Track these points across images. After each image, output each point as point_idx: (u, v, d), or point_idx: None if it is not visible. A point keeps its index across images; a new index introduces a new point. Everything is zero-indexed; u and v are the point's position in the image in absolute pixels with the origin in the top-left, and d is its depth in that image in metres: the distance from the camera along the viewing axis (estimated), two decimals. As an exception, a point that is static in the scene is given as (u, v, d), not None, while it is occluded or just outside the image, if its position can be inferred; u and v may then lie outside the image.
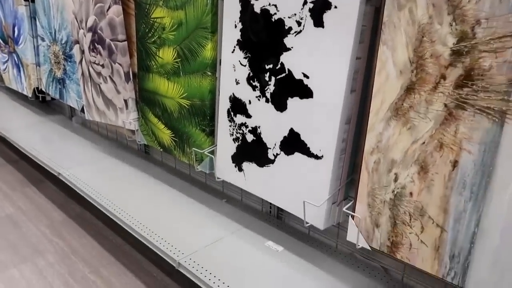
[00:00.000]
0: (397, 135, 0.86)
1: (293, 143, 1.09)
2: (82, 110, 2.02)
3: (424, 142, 0.83)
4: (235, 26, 1.17)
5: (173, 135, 1.50)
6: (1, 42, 2.75)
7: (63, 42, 2.06)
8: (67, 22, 1.96)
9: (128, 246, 1.71)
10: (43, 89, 2.39)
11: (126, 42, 1.58)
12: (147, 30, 1.47)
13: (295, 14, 1.01)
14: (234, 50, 1.19)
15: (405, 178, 0.87)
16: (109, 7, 1.56)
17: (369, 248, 0.96)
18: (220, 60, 1.27)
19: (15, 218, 1.85)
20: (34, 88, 2.48)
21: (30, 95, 2.53)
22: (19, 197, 2.07)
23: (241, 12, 1.14)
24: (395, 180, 0.88)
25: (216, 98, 1.32)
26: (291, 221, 1.41)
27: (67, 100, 2.17)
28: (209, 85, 1.30)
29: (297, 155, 1.09)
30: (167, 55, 1.42)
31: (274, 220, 1.44)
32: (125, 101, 1.66)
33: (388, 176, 0.89)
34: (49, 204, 2.01)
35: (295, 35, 1.03)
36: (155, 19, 1.43)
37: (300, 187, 1.10)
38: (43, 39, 2.25)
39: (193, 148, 1.40)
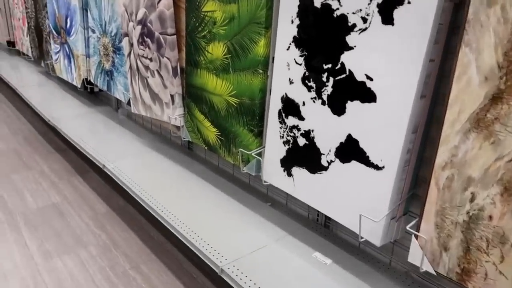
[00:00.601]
0: (477, 149, 0.76)
1: (350, 150, 1.01)
2: (129, 103, 2.02)
3: (510, 160, 0.72)
4: (292, 22, 1.09)
5: (219, 133, 1.45)
6: (54, 33, 2.82)
7: (112, 34, 2.06)
8: (118, 14, 1.96)
9: (170, 245, 1.69)
10: (92, 81, 2.42)
11: (175, 36, 1.55)
12: (197, 24, 1.42)
13: (360, 10, 0.92)
14: (289, 47, 1.11)
15: (484, 199, 0.76)
16: (160, 0, 1.53)
17: (434, 272, 0.86)
18: (273, 57, 1.20)
19: (61, 208, 1.88)
20: (83, 79, 2.52)
21: (79, 86, 2.58)
22: (65, 186, 2.11)
23: (299, 7, 1.06)
24: (472, 200, 0.78)
25: (267, 97, 1.25)
26: (339, 230, 1.33)
27: (114, 93, 2.18)
28: (260, 84, 1.24)
29: (354, 163, 1.00)
30: (217, 50, 1.36)
31: (321, 228, 1.36)
32: (172, 96, 1.63)
33: (463, 195, 0.79)
34: (94, 195, 2.03)
35: (359, 33, 0.93)
36: (206, 13, 1.37)
37: (356, 199, 1.01)
38: (93, 31, 2.27)
39: (240, 149, 1.34)
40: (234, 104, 1.34)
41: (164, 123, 1.77)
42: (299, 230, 1.35)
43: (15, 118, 3.08)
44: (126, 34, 1.82)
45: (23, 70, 3.65)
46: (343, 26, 0.96)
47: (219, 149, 1.46)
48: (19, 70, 3.67)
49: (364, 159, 0.98)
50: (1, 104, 3.42)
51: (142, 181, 1.66)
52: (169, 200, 1.52)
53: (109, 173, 1.77)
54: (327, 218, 1.36)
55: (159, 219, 1.44)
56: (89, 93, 2.84)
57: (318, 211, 1.37)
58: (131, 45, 1.79)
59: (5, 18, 4.15)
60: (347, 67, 0.98)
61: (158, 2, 1.54)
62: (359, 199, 1.00)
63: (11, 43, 4.22)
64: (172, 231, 1.37)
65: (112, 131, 2.25)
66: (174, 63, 1.58)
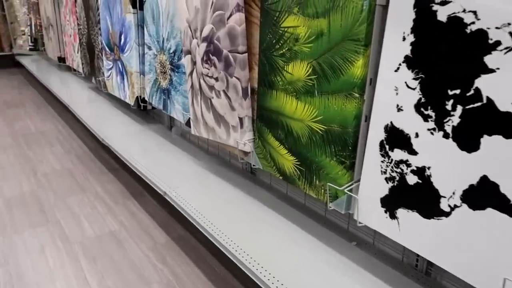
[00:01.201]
0: None
1: (485, 196, 0.82)
2: (188, 124, 1.90)
3: None
4: (404, 39, 0.92)
5: (298, 163, 1.29)
6: (107, 49, 2.78)
7: (171, 51, 1.96)
8: (178, 30, 1.86)
9: (234, 280, 1.54)
10: (146, 99, 2.34)
11: (246, 54, 1.41)
12: (274, 41, 1.28)
13: (508, 24, 0.74)
14: (398, 68, 0.94)
15: None
16: (231, 15, 1.40)
17: None
18: (371, 79, 1.03)
19: (119, 237, 1.78)
20: (137, 96, 2.45)
21: (132, 104, 2.51)
22: (121, 211, 2.02)
23: (415, 21, 0.89)
24: None
25: (362, 125, 1.08)
26: (444, 280, 1.13)
27: (171, 112, 2.07)
28: (355, 109, 1.07)
29: (490, 211, 0.81)
30: (298, 70, 1.21)
31: (422, 277, 1.16)
32: (240, 119, 1.49)
33: None
34: (151, 221, 1.92)
35: (504, 53, 0.75)
36: (285, 29, 1.23)
37: (493, 255, 0.82)
38: (149, 48, 2.19)
39: (328, 183, 1.17)
40: (320, 131, 1.18)
41: (226, 145, 1.63)
42: (394, 277, 1.16)
43: (66, 135, 3.06)
44: (189, 52, 1.70)
45: (73, 86, 3.66)
46: (480, 43, 0.78)
47: (298, 180, 1.30)
48: (70, 86, 3.68)
49: (506, 207, 0.78)
50: (53, 120, 3.42)
51: (203, 208, 1.53)
52: (234, 230, 1.37)
53: (168, 199, 1.65)
54: (429, 264, 1.16)
55: (226, 253, 1.29)
56: (141, 110, 2.77)
57: (417, 255, 1.18)
58: (194, 63, 1.68)
59: (56, 34, 4.22)
60: (484, 93, 0.79)
61: (228, 18, 1.41)
62: (498, 256, 0.81)
63: (61, 59, 4.28)
64: (242, 268, 1.22)
65: (166, 151, 2.15)
66: (244, 84, 1.44)
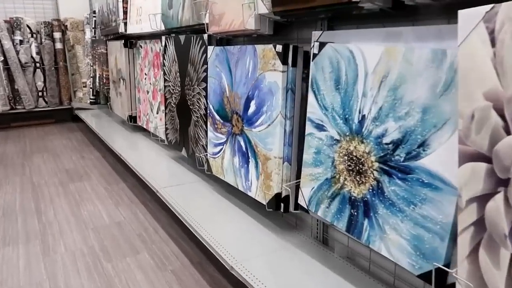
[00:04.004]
0: None
1: None
2: (425, 278, 1.00)
3: None
4: None
5: None
6: (217, 117, 2.00)
7: (383, 141, 1.11)
8: (409, 107, 1.01)
9: None
10: (304, 204, 1.47)
11: None
12: None
13: None
14: None
15: None
16: None
17: None
18: None
19: None
20: (274, 194, 1.60)
21: (265, 203, 1.66)
22: None
23: None
24: None
25: None
26: None
27: (372, 243, 1.18)
28: None
29: None
30: None
31: None
32: None
33: None
34: None
35: None
36: None
37: None
38: (320, 127, 1.35)
39: None
40: None
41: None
42: None
43: (152, 232, 2.24)
44: (483, 158, 0.83)
45: (151, 155, 2.90)
46: None
47: None
48: (145, 154, 2.93)
49: None
50: (130, 204, 2.63)
51: None
52: None
53: None
54: None
55: None
56: (274, 210, 1.91)
57: None
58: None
59: (128, 89, 3.56)
60: None
61: None
62: None
63: (132, 118, 3.59)
64: None
65: (322, 277, 1.26)
66: None
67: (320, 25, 1.47)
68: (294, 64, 1.52)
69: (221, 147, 2.00)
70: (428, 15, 1.13)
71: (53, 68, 5.21)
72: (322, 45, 1.32)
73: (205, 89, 2.13)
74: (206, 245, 1.65)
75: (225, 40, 2.11)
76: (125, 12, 3.32)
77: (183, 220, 1.87)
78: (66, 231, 2.23)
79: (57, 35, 5.19)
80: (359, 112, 1.19)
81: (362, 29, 1.24)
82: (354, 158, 1.22)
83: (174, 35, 2.59)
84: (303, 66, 1.54)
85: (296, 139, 1.61)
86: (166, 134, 2.75)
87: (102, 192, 2.80)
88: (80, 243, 2.09)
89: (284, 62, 1.51)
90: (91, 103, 5.15)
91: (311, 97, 1.38)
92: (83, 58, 5.33)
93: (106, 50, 4.15)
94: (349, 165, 1.24)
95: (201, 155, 2.22)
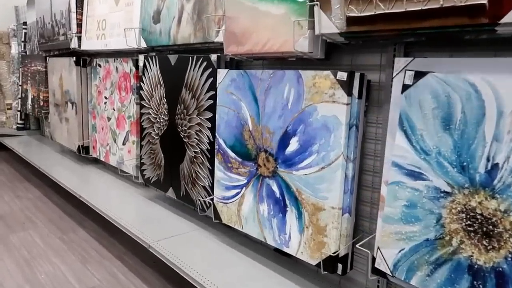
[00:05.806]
0: None
1: None
2: None
3: None
4: None
5: None
6: (232, 154, 1.65)
7: (535, 197, 0.88)
8: None
9: None
10: (385, 269, 1.18)
11: None
12: None
13: None
14: None
15: None
16: None
17: None
18: None
19: None
20: (331, 254, 1.29)
21: (314, 263, 1.34)
22: None
23: None
24: None
25: None
26: None
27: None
28: None
29: None
30: None
31: None
32: None
33: None
34: None
35: None
36: None
37: None
38: (417, 175, 1.09)
39: None
40: None
41: None
42: None
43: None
44: None
45: (119, 194, 2.41)
46: None
47: None
48: (116, 194, 2.43)
49: None
50: (104, 263, 2.10)
51: None
52: None
53: None
54: None
55: None
56: (330, 273, 1.60)
57: None
58: None
59: (80, 115, 3.01)
60: None
61: None
62: None
63: (83, 149, 3.03)
64: None
65: None
66: None
67: (393, 50, 1.24)
68: (360, 96, 1.26)
69: (238, 190, 1.64)
70: None
71: (-32, 86, 4.35)
72: (419, 74, 1.07)
73: (211, 120, 1.77)
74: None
75: (235, 62, 1.79)
76: (79, 25, 2.81)
77: (196, 284, 1.46)
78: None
79: (-25, 48, 4.37)
80: (487, 160, 0.96)
81: (473, 57, 1.02)
82: (478, 217, 0.98)
83: (155, 53, 2.19)
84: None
85: (356, 186, 1.33)
86: (142, 171, 2.30)
87: (57, 244, 2.24)
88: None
89: (349, 92, 1.24)
90: (18, 128, 4.38)
91: (399, 138, 1.12)
92: (8, 76, 4.55)
93: (46, 67, 3.54)
94: (469, 225, 0.99)
95: (205, 199, 1.83)
